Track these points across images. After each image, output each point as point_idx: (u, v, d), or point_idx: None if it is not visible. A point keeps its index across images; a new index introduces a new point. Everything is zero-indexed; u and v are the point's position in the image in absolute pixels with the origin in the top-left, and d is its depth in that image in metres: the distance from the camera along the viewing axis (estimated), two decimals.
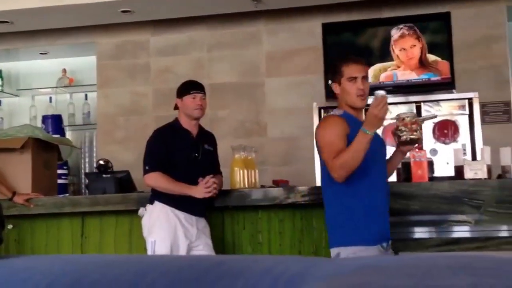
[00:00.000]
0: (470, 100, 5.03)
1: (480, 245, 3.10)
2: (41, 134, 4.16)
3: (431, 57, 5.14)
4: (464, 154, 4.61)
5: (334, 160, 2.61)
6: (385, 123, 3.20)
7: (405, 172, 3.52)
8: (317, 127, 2.85)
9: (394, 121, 2.94)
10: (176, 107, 3.47)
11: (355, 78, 2.71)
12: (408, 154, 3.17)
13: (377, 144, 2.77)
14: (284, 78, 5.48)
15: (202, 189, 3.28)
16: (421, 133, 2.78)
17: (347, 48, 5.26)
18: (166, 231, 3.26)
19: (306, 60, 5.43)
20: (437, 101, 5.04)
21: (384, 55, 5.22)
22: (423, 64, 5.14)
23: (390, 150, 3.07)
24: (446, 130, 4.98)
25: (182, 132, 3.39)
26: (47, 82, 6.09)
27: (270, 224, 3.70)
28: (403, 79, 5.14)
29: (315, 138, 2.82)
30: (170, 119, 3.52)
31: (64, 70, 6.07)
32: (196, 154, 3.38)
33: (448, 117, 4.98)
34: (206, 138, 3.51)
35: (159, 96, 5.63)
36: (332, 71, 2.85)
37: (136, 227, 3.59)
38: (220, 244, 3.65)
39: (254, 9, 5.33)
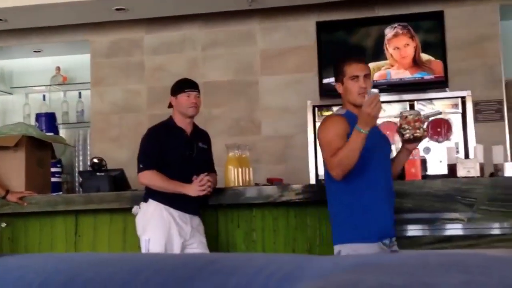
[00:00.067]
0: (463, 99, 5.06)
1: (472, 243, 3.12)
2: (35, 132, 4.15)
3: (425, 57, 5.16)
4: (457, 152, 4.63)
5: (332, 159, 2.67)
6: (380, 121, 3.21)
7: None
8: (319, 126, 2.89)
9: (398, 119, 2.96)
10: (170, 105, 3.47)
11: (357, 76, 2.76)
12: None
13: (378, 141, 2.80)
14: (278, 77, 5.48)
15: (196, 187, 3.28)
16: (425, 130, 2.78)
17: (341, 46, 5.28)
18: (160, 229, 3.26)
19: (300, 58, 5.44)
20: (431, 99, 5.07)
21: (378, 54, 5.23)
22: (416, 63, 5.16)
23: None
24: (439, 129, 5.00)
25: (176, 130, 3.39)
26: (41, 80, 6.07)
27: (264, 222, 3.71)
28: (396, 78, 5.15)
29: (317, 137, 2.87)
30: (164, 117, 3.52)
31: (58, 68, 6.05)
32: (190, 152, 3.38)
33: (441, 116, 5.01)
34: (200, 136, 3.51)
35: (153, 94, 5.62)
36: (334, 71, 2.89)
37: (130, 225, 3.59)
38: (214, 242, 3.65)
39: (249, 8, 5.33)
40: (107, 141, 5.66)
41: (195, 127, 3.49)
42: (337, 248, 2.76)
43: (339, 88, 2.83)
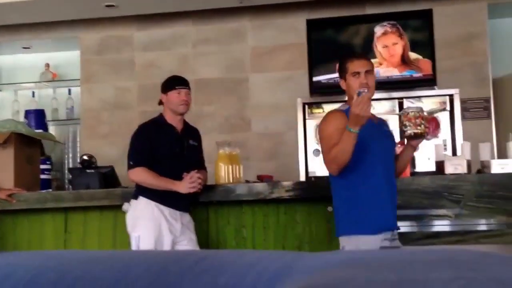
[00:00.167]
0: (451, 97, 5.10)
1: (459, 239, 3.16)
2: (24, 129, 4.12)
3: (413, 55, 5.19)
4: (445, 149, 4.66)
5: (328, 154, 2.73)
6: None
7: None
8: (320, 121, 2.95)
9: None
10: (160, 103, 3.46)
11: (358, 73, 2.81)
12: None
13: (376, 135, 2.82)
14: (268, 74, 5.48)
15: (186, 184, 3.28)
16: (426, 126, 2.79)
17: (331, 44, 5.29)
18: (150, 226, 3.25)
19: (290, 56, 5.44)
20: (419, 97, 5.10)
21: (367, 52, 5.25)
22: (405, 61, 5.19)
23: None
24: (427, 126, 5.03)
25: (166, 128, 3.39)
26: (30, 77, 6.03)
27: (254, 219, 3.71)
28: (385, 76, 5.18)
29: (318, 132, 2.90)
30: (154, 114, 3.51)
31: (47, 65, 6.01)
32: (181, 150, 3.38)
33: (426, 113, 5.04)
34: (191, 133, 3.51)
35: (143, 91, 5.60)
36: (339, 68, 2.96)
37: (120, 223, 3.58)
38: (204, 239, 3.65)
39: (239, 5, 5.33)
40: (97, 138, 5.64)
41: (185, 124, 3.49)
42: (341, 240, 2.82)
43: (343, 84, 2.90)
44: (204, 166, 3.56)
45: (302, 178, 5.15)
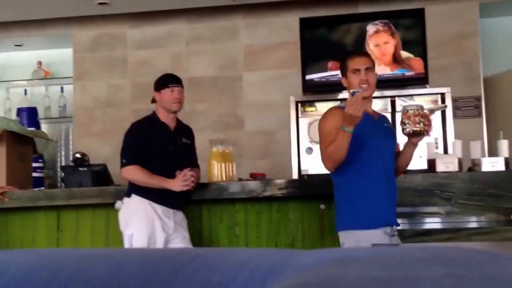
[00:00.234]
0: (442, 95, 5.12)
1: (450, 236, 3.18)
2: (16, 127, 4.10)
3: (405, 54, 5.21)
4: (436, 147, 4.68)
5: (324, 152, 2.77)
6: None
7: None
8: (320, 119, 2.98)
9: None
10: (153, 101, 3.46)
11: (359, 70, 2.84)
12: None
13: (373, 131, 2.84)
14: (261, 72, 5.49)
15: (179, 182, 3.28)
16: (425, 124, 2.80)
17: (325, 43, 5.29)
18: (143, 224, 3.25)
19: (283, 54, 5.45)
20: (411, 95, 5.12)
21: (362, 50, 5.27)
22: (396, 60, 5.20)
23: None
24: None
25: (159, 126, 3.38)
26: (22, 75, 6.00)
27: (247, 217, 3.72)
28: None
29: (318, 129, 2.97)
30: (148, 112, 3.51)
31: (40, 63, 5.99)
32: (174, 148, 3.37)
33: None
34: (184, 131, 3.50)
35: (136, 89, 5.59)
36: (340, 67, 2.99)
37: (113, 221, 3.57)
38: (197, 236, 3.65)
39: (232, 3, 5.33)
40: (90, 136, 5.63)
41: (178, 122, 3.48)
42: (340, 236, 2.84)
43: (344, 82, 2.93)
44: (197, 164, 3.56)
45: (295, 176, 5.16)
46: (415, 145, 2.94)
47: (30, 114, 5.69)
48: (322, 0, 5.36)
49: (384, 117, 3.08)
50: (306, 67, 5.32)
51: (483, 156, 4.02)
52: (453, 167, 3.67)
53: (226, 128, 5.44)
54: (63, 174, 4.38)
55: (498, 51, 5.48)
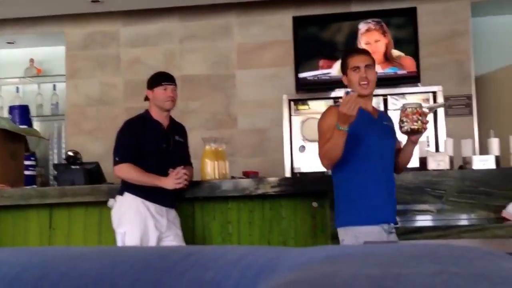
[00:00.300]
0: (434, 94, 5.14)
1: (441, 234, 3.20)
2: (8, 125, 4.09)
3: (396, 53, 5.23)
4: (428, 146, 4.70)
5: (321, 149, 2.81)
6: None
7: None
8: (320, 117, 3.02)
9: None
10: (146, 99, 3.45)
11: (358, 67, 2.87)
12: None
13: (371, 129, 2.87)
14: (255, 71, 5.49)
15: (172, 180, 3.28)
16: (424, 122, 2.82)
17: (318, 41, 5.30)
18: (136, 222, 3.25)
19: (276, 52, 5.45)
20: (403, 94, 5.14)
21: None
22: (387, 59, 5.21)
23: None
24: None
25: (152, 124, 3.38)
26: (14, 72, 5.97)
27: (240, 215, 3.72)
28: None
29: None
30: (141, 110, 3.50)
31: (32, 60, 5.96)
32: (167, 146, 3.37)
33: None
34: (177, 129, 3.50)
35: (129, 87, 5.58)
36: (341, 65, 3.02)
37: (106, 219, 3.57)
38: (190, 234, 3.65)
39: (226, 1, 5.32)
40: (82, 134, 5.61)
41: (171, 120, 3.48)
42: (339, 232, 2.87)
43: (345, 80, 2.96)
44: (190, 162, 3.55)
45: (288, 174, 5.17)
46: (415, 143, 2.96)
47: (22, 112, 5.67)
48: None
49: (385, 115, 3.09)
50: (299, 66, 5.32)
51: (474, 154, 4.05)
52: (444, 165, 3.69)
53: (219, 126, 5.44)
54: (55, 172, 4.37)
55: (490, 50, 5.51)
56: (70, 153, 4.15)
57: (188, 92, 5.40)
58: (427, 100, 5.13)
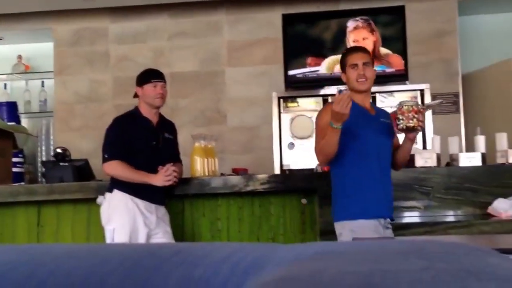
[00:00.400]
0: (422, 91, 5.18)
1: (428, 230, 3.23)
2: None
3: (384, 50, 5.24)
4: (415, 143, 4.72)
5: (317, 146, 2.87)
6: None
7: None
8: (317, 114, 3.06)
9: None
10: (136, 95, 3.44)
11: (356, 65, 2.93)
12: None
13: (368, 126, 2.91)
14: (244, 68, 5.48)
15: (162, 177, 3.27)
16: (419, 120, 2.83)
17: (307, 39, 5.30)
18: (125, 219, 3.24)
19: (266, 50, 5.45)
20: (391, 92, 5.17)
21: (343, 46, 5.29)
22: (375, 56, 5.23)
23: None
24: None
25: (142, 121, 3.37)
26: (2, 69, 5.92)
27: (229, 212, 3.73)
28: None
29: None
30: (130, 107, 3.49)
31: (20, 57, 5.92)
32: (156, 143, 3.36)
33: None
34: (166, 126, 3.49)
35: (118, 84, 5.55)
36: (340, 63, 3.08)
37: (94, 216, 3.55)
38: (179, 231, 3.65)
39: None
40: (71, 131, 5.58)
41: (161, 117, 3.47)
42: (336, 227, 2.91)
43: (343, 77, 3.02)
44: (179, 159, 3.55)
45: (277, 171, 5.18)
46: (412, 140, 2.99)
47: (10, 109, 5.62)
48: None
49: (383, 112, 3.12)
50: (288, 63, 5.33)
51: (461, 151, 4.08)
52: (432, 162, 3.72)
53: (208, 123, 5.44)
54: (43, 169, 4.34)
55: (476, 48, 5.57)
56: (59, 150, 4.12)
57: (178, 89, 5.39)
58: (415, 97, 5.16)
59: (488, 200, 3.47)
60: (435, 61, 5.28)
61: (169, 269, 0.76)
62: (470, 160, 3.72)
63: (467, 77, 5.43)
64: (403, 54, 5.23)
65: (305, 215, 3.68)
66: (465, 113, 5.28)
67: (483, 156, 3.77)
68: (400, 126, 2.87)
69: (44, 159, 5.72)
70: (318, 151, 2.85)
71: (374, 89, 5.20)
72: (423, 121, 2.87)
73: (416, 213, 3.59)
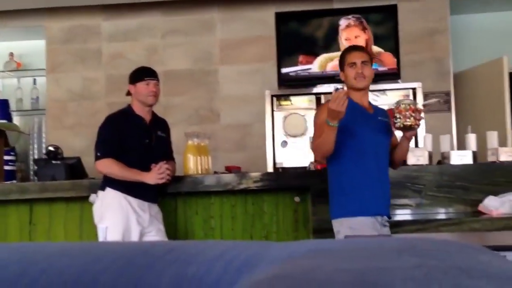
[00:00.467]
0: (414, 90, 5.19)
1: (420, 227, 3.25)
2: None
3: (376, 49, 5.25)
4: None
5: (314, 143, 2.90)
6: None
7: None
8: (315, 112, 3.10)
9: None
10: (128, 93, 3.43)
11: (354, 63, 2.96)
12: None
13: (366, 124, 2.93)
14: (237, 66, 5.48)
15: (155, 175, 3.27)
16: (416, 119, 2.84)
17: (300, 37, 5.31)
18: (118, 217, 3.23)
19: (259, 48, 5.45)
20: (383, 90, 5.18)
21: (335, 45, 5.30)
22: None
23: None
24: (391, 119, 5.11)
25: (135, 119, 3.36)
26: None
27: (222, 210, 3.73)
28: None
29: None
30: (122, 105, 3.48)
31: (12, 54, 5.89)
32: (149, 141, 3.35)
33: (393, 106, 5.11)
34: (159, 124, 3.49)
35: (111, 81, 5.54)
36: (339, 62, 3.10)
37: (87, 214, 3.55)
38: (172, 229, 3.65)
39: None
40: (63, 129, 5.56)
41: (154, 115, 3.46)
42: (334, 224, 2.92)
43: (342, 76, 3.05)
44: (172, 157, 3.55)
45: (270, 169, 5.18)
46: (409, 138, 3.02)
47: (1, 106, 5.60)
48: None
49: (381, 111, 3.14)
50: (281, 61, 5.33)
51: (452, 149, 4.10)
52: (424, 160, 3.74)
53: (201, 121, 5.43)
54: (35, 167, 4.32)
55: (468, 47, 5.61)
56: (51, 148, 4.11)
57: (171, 87, 5.38)
58: (407, 96, 5.17)
59: (479, 198, 3.49)
60: (427, 60, 5.31)
61: (162, 267, 0.76)
62: (461, 158, 3.75)
63: (459, 76, 5.46)
64: (395, 52, 5.25)
65: (298, 213, 3.69)
66: (457, 111, 5.30)
67: (474, 154, 3.79)
68: (398, 124, 2.89)
69: (36, 157, 5.70)
70: (315, 148, 2.89)
71: None
72: (420, 120, 2.88)
73: (408, 211, 3.62)
